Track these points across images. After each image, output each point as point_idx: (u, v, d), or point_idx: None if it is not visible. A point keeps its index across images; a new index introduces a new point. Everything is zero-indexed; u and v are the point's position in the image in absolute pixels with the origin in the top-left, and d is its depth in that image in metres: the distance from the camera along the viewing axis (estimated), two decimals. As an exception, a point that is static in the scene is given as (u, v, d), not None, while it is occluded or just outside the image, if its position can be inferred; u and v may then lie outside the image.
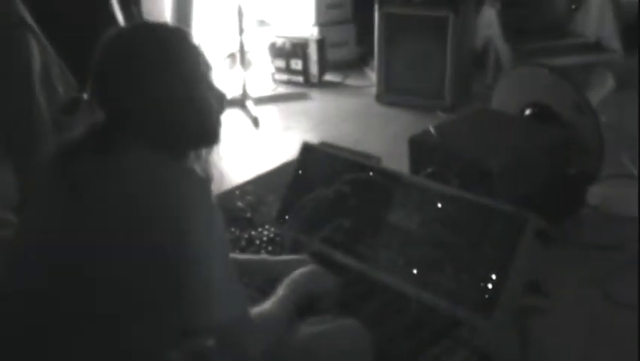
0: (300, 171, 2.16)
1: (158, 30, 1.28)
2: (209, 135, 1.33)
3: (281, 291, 1.46)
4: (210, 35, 4.57)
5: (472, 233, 1.71)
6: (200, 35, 4.21)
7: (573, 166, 2.57)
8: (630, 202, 2.65)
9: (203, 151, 1.36)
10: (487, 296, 1.62)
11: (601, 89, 4.04)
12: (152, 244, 1.14)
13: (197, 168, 1.33)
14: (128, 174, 1.19)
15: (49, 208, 1.24)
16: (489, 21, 4.29)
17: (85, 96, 1.31)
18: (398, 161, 2.58)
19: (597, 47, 4.45)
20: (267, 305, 1.38)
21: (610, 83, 4.17)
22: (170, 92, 1.22)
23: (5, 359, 1.19)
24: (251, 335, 1.28)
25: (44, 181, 1.29)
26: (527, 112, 2.77)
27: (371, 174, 1.92)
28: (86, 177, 1.18)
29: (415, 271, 1.74)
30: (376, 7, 4.11)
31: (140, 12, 3.51)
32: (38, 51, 2.41)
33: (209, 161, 1.38)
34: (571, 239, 2.40)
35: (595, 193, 2.66)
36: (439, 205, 1.78)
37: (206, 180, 1.26)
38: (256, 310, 1.33)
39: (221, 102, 1.34)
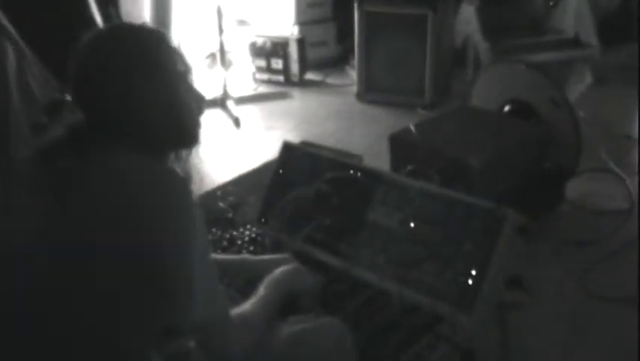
0: (280, 171, 2.16)
1: (137, 31, 1.27)
2: (188, 137, 1.33)
3: (262, 290, 1.46)
4: (190, 35, 4.55)
5: (453, 230, 1.72)
6: (179, 35, 4.20)
7: (551, 161, 2.59)
8: (608, 197, 2.68)
9: (183, 152, 1.36)
10: (467, 292, 1.63)
11: (579, 85, 4.08)
12: (133, 243, 1.13)
13: (178, 169, 1.33)
14: (108, 175, 1.18)
15: (28, 210, 1.23)
16: (468, 18, 4.31)
17: (68, 98, 1.30)
18: (380, 159, 2.59)
19: (575, 42, 4.48)
20: (247, 305, 1.38)
21: (588, 78, 4.22)
22: (148, 94, 1.22)
23: None
24: (231, 335, 1.28)
25: (22, 182, 1.28)
26: (506, 108, 2.79)
27: (351, 172, 1.93)
28: (65, 178, 1.17)
29: (396, 269, 1.75)
30: (356, 5, 4.12)
31: (118, 13, 3.49)
32: (14, 54, 2.39)
33: (189, 162, 1.37)
34: (550, 234, 2.42)
35: (573, 188, 2.68)
36: (420, 203, 1.79)
37: (186, 180, 1.25)
38: (236, 310, 1.33)
39: (200, 104, 1.34)
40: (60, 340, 1.14)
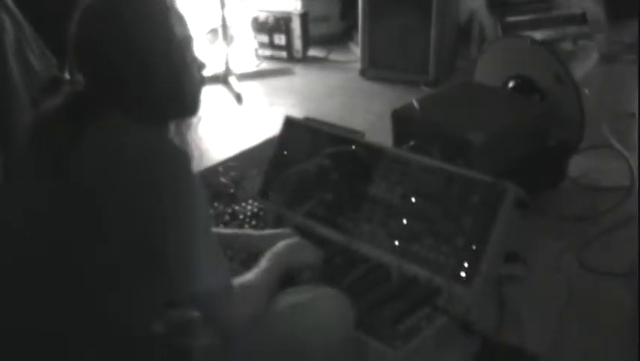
0: (282, 146, 2.19)
1: None
2: (189, 105, 1.35)
3: (264, 263, 1.49)
4: (192, 10, 4.56)
5: (452, 204, 1.76)
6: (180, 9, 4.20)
7: (554, 138, 2.63)
8: (609, 173, 2.71)
9: (184, 126, 1.38)
10: (466, 265, 1.68)
11: (585, 62, 4.09)
12: (132, 213, 1.16)
13: (178, 142, 1.35)
14: (106, 144, 1.20)
15: (28, 179, 1.26)
16: (473, -6, 4.31)
17: (66, 75, 1.32)
18: (382, 135, 2.62)
19: (582, 19, 4.48)
20: (249, 276, 1.41)
21: (594, 55, 4.23)
22: (151, 59, 1.23)
23: None
24: (233, 306, 1.31)
25: (22, 153, 1.30)
26: (510, 84, 2.82)
27: (353, 147, 1.97)
28: (63, 147, 1.19)
29: (396, 243, 1.80)
30: (360, -20, 4.12)
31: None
32: (12, 27, 2.41)
33: (188, 137, 1.40)
34: (550, 210, 2.46)
35: (576, 165, 2.72)
36: (420, 177, 1.83)
37: (186, 152, 1.27)
38: (238, 280, 1.36)
39: (202, 72, 1.36)
40: (62, 309, 1.17)
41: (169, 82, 1.26)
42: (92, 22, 1.23)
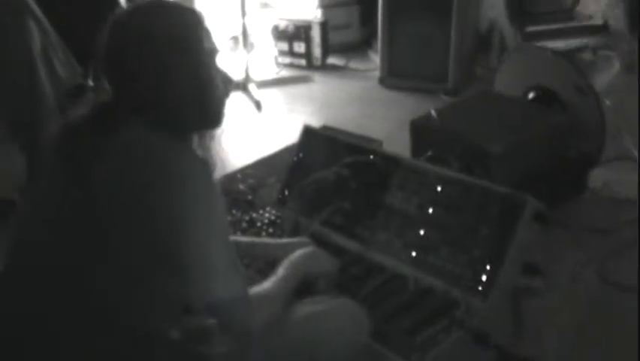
0: (300, 154, 2.20)
1: (172, 9, 1.30)
2: (213, 117, 1.36)
3: (280, 271, 1.49)
4: (213, 18, 4.59)
5: (470, 215, 1.75)
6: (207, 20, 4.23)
7: (575, 149, 2.60)
8: (631, 185, 2.68)
9: (207, 137, 1.39)
10: (483, 277, 1.67)
11: (607, 72, 4.05)
12: (152, 222, 1.17)
13: (200, 153, 1.36)
14: (129, 153, 1.21)
15: (52, 186, 1.27)
16: (493, 2, 4.29)
17: (90, 83, 1.34)
18: (401, 144, 2.61)
19: (604, 29, 4.45)
20: (265, 285, 1.42)
21: (616, 65, 4.19)
22: (178, 71, 1.24)
23: (8, 333, 1.23)
24: (249, 314, 1.31)
25: (48, 160, 1.32)
26: (530, 95, 2.80)
27: (370, 157, 1.96)
28: (87, 156, 1.21)
29: (412, 253, 1.79)
30: (379, -11, 4.12)
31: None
32: (39, 36, 2.45)
33: (211, 148, 1.40)
34: (570, 222, 2.43)
35: (596, 176, 2.69)
36: (437, 188, 1.82)
37: (206, 162, 1.29)
38: (255, 289, 1.37)
39: (227, 86, 1.37)
40: (80, 315, 1.18)
41: (194, 95, 1.28)
42: (122, 34, 1.26)
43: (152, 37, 1.24)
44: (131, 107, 1.25)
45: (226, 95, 1.37)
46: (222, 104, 1.37)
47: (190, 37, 1.27)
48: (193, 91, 1.27)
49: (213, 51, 1.32)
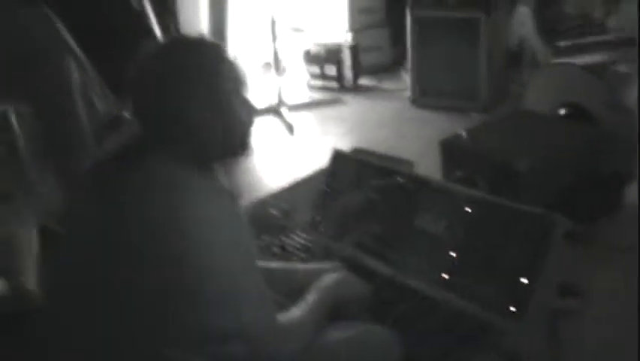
0: (331, 178, 2.20)
1: (195, 45, 1.32)
2: (236, 148, 1.37)
3: (310, 297, 1.49)
4: (245, 43, 4.64)
5: (500, 236, 1.72)
6: (235, 44, 4.29)
7: (608, 166, 2.55)
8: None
9: (232, 167, 1.41)
10: (516, 300, 1.63)
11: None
12: (178, 253, 1.18)
13: (225, 182, 1.38)
14: (154, 184, 1.23)
15: (85, 217, 1.31)
16: (523, 19, 4.25)
17: (126, 115, 1.37)
18: (432, 164, 2.59)
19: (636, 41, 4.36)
20: (296, 311, 1.41)
21: (650, 78, 4.09)
22: (202, 107, 1.26)
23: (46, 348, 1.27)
24: (279, 341, 1.31)
25: (82, 192, 1.36)
26: (561, 111, 2.76)
27: (399, 179, 1.95)
28: (117, 186, 1.24)
29: (443, 275, 1.76)
30: (408, 10, 4.12)
31: (177, 24, 3.60)
32: (78, 73, 2.53)
33: (236, 177, 1.42)
34: (607, 240, 2.37)
35: (633, 193, 2.63)
36: (465, 209, 1.80)
37: (231, 193, 1.30)
38: (285, 316, 1.37)
39: (252, 116, 1.38)
40: (106, 341, 1.21)
41: (216, 128, 1.29)
42: (146, 69, 1.28)
43: (174, 73, 1.26)
44: (159, 140, 1.27)
45: (250, 124, 1.38)
46: (246, 135, 1.37)
47: (213, 74, 1.28)
48: (215, 124, 1.28)
49: (238, 83, 1.33)
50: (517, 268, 1.66)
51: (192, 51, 1.30)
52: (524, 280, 1.63)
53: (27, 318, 1.43)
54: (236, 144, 1.37)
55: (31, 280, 2.07)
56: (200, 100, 1.26)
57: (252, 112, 1.38)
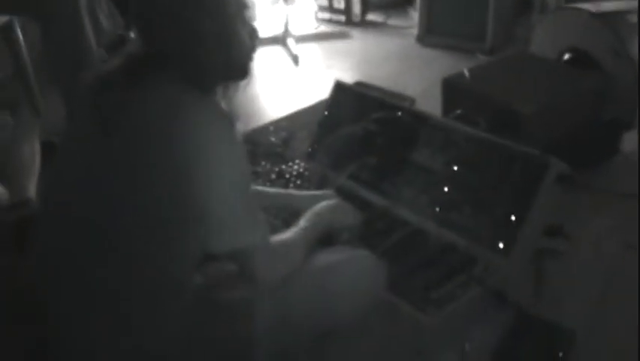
0: (331, 109, 2.19)
1: None
2: (238, 70, 1.35)
3: (303, 222, 1.50)
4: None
5: (494, 175, 1.72)
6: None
7: (609, 113, 2.52)
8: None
9: (231, 89, 1.38)
10: (505, 237, 1.65)
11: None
12: (173, 171, 1.18)
13: (224, 104, 1.36)
14: (152, 104, 1.22)
15: (82, 134, 1.29)
16: (536, -39, 4.14)
17: (131, 35, 1.34)
18: (434, 102, 2.56)
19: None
20: (287, 234, 1.42)
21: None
22: (204, 25, 1.23)
23: (44, 267, 1.28)
24: (270, 262, 1.32)
25: (80, 108, 1.34)
26: (566, 57, 2.71)
27: (398, 113, 1.93)
28: (114, 107, 1.22)
29: (436, 210, 1.77)
30: (419, -55, 4.01)
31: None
32: None
33: (235, 100, 1.39)
34: (600, 186, 2.37)
35: (629, 141, 2.61)
36: (463, 147, 1.79)
37: (229, 114, 1.28)
38: (276, 238, 1.37)
39: (254, 39, 1.35)
40: (105, 263, 1.21)
41: (218, 48, 1.26)
42: None
43: None
44: (160, 58, 1.24)
45: (252, 48, 1.35)
46: (248, 58, 1.35)
47: None
48: (218, 44, 1.25)
49: (242, 6, 1.30)
50: (509, 206, 1.67)
51: None
52: (514, 218, 1.64)
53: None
54: (238, 67, 1.35)
55: (31, 190, 2.09)
56: (204, 19, 1.23)
57: (255, 36, 1.35)
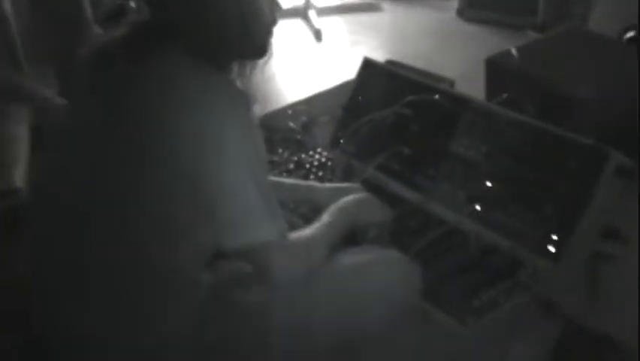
0: (359, 91, 2.19)
1: None
2: (256, 46, 1.36)
3: (325, 217, 1.50)
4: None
5: (544, 168, 1.72)
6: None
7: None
8: None
9: (248, 67, 1.40)
10: (555, 238, 1.65)
11: None
12: (183, 156, 1.19)
13: (239, 84, 1.37)
14: (161, 79, 1.23)
15: (80, 118, 1.32)
16: None
17: (131, 4, 1.36)
18: (476, 85, 2.57)
19: None
20: (308, 231, 1.43)
21: None
22: None
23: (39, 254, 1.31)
24: (287, 258, 1.33)
25: (76, 89, 1.37)
26: (628, 35, 2.70)
27: (436, 97, 1.94)
28: (116, 85, 1.23)
29: (476, 207, 1.77)
30: None
31: None
32: None
33: (252, 79, 1.41)
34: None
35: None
36: (510, 135, 1.79)
37: (245, 94, 1.29)
38: (295, 235, 1.38)
39: (275, 13, 1.36)
40: (111, 257, 1.23)
41: (236, 19, 1.27)
42: None
43: None
44: (168, 29, 1.26)
45: (273, 23, 1.36)
46: (268, 33, 1.36)
47: None
48: (236, 15, 1.26)
49: None
50: (561, 204, 1.66)
51: None
52: (567, 218, 1.64)
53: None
54: (256, 43, 1.35)
55: (19, 177, 2.12)
56: None
57: (276, 10, 1.36)
